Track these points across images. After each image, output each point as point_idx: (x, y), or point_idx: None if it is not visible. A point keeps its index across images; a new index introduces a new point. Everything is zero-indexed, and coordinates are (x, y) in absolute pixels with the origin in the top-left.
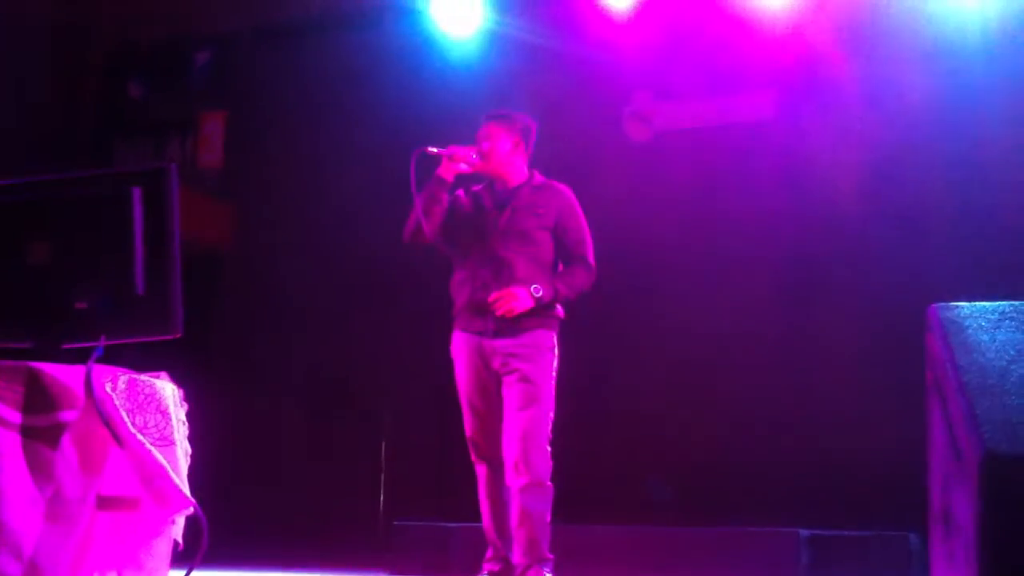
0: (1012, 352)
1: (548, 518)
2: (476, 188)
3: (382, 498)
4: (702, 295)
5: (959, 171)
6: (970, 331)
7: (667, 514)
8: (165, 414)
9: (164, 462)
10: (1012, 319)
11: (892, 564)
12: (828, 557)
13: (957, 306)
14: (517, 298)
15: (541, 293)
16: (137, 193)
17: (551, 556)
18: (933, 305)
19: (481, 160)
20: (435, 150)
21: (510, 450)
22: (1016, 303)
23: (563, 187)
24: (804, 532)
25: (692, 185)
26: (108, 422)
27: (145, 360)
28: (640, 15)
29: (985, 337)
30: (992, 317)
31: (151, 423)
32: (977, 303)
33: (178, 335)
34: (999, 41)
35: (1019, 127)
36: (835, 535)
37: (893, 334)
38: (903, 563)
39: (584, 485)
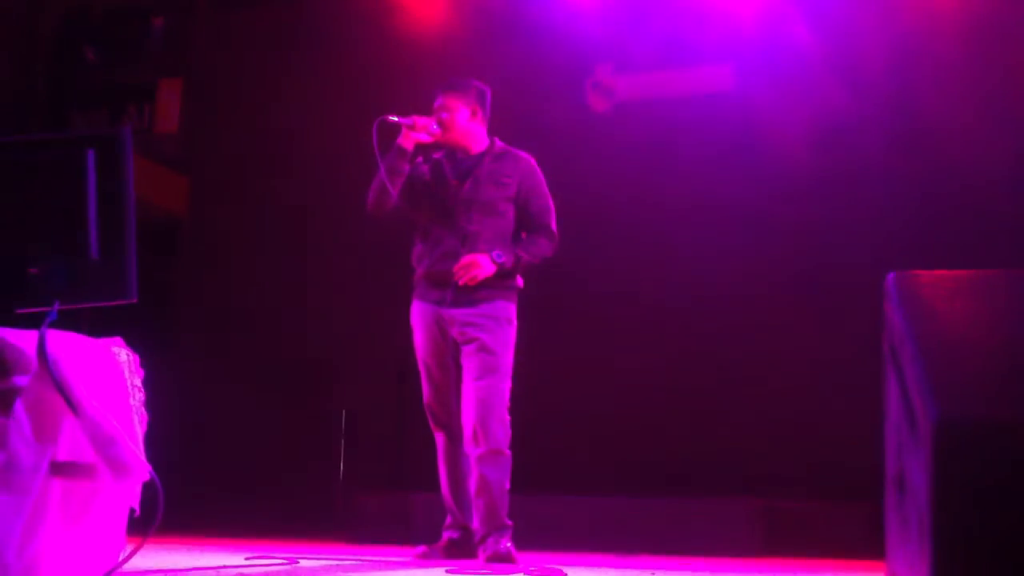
0: (969, 321)
1: (507, 486)
2: (436, 155)
3: (342, 467)
4: (660, 265)
5: (918, 141)
6: (927, 299)
7: (627, 484)
8: (120, 380)
9: (118, 429)
10: (969, 288)
11: (849, 534)
12: (785, 527)
13: (915, 274)
14: (480, 266)
15: (503, 259)
16: (91, 156)
17: (510, 524)
18: (891, 273)
19: (441, 130)
20: (396, 119)
21: (468, 419)
22: (974, 272)
23: (525, 154)
24: (762, 502)
25: (652, 155)
26: (61, 388)
27: (101, 326)
28: None
29: (942, 305)
30: (950, 286)
31: (105, 389)
32: (935, 271)
33: (133, 300)
34: (955, 14)
35: (976, 98)
36: (792, 505)
37: (851, 303)
38: (860, 533)
39: (544, 454)
